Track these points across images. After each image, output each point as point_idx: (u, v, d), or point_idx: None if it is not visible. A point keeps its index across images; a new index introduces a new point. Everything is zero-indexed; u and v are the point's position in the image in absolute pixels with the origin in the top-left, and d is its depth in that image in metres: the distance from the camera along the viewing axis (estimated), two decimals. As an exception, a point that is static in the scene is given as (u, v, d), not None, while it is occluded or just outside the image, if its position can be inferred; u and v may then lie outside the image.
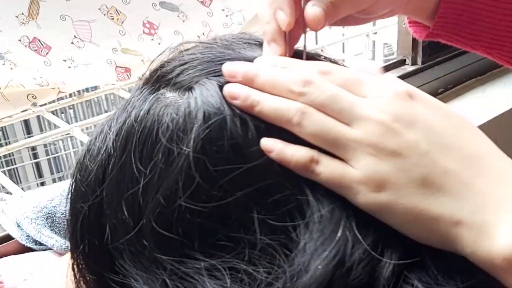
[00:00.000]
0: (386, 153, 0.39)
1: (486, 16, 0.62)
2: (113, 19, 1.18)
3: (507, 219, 0.37)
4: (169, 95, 0.44)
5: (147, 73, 0.49)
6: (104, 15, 1.17)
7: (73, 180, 0.47)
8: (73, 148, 1.91)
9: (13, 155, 2.11)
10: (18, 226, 0.83)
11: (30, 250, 0.82)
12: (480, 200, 0.38)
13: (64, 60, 1.14)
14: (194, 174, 0.41)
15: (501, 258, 0.36)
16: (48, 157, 2.16)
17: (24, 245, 0.82)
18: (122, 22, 1.19)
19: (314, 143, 0.41)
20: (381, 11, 0.56)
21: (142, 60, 1.21)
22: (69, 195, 0.48)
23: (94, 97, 1.31)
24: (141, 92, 0.46)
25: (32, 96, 1.13)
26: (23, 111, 1.16)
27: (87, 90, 1.28)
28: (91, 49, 1.16)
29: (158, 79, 0.46)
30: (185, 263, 0.41)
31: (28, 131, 2.08)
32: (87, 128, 1.19)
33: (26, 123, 2.07)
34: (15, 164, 2.13)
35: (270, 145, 0.41)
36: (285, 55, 0.47)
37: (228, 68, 0.44)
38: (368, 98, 0.41)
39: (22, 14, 1.10)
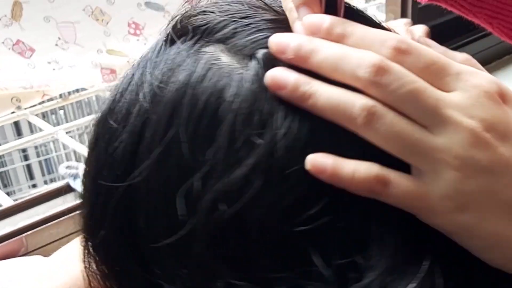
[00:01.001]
0: (476, 169, 0.33)
1: None
2: (97, 20, 1.17)
3: None
4: (227, 61, 0.36)
5: (178, 21, 0.39)
6: (89, 16, 1.16)
7: (94, 144, 0.38)
8: (64, 149, 1.90)
9: (4, 158, 2.10)
10: None
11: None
12: None
13: (49, 62, 1.13)
14: (271, 174, 0.33)
15: None
16: (39, 159, 2.15)
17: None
18: (107, 23, 1.18)
19: (385, 149, 0.33)
20: None
21: (128, 61, 1.20)
22: (89, 162, 0.38)
23: (82, 99, 1.30)
24: (188, 47, 0.37)
25: (16, 99, 1.12)
26: (12, 112, 1.15)
27: (77, 91, 1.27)
28: (76, 50, 1.15)
29: (205, 33, 0.37)
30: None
31: (19, 133, 2.07)
32: (78, 129, 1.18)
33: (17, 125, 2.06)
34: (6, 166, 2.12)
35: (320, 162, 0.33)
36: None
37: (277, 40, 0.35)
38: (454, 95, 0.34)
39: (5, 16, 1.08)
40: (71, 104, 2.08)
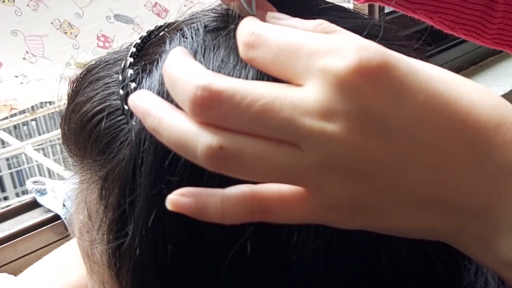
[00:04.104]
0: (359, 174, 0.29)
1: None
2: (66, 33, 1.16)
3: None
4: None
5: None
6: (57, 29, 1.15)
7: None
8: (36, 162, 1.89)
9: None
10: (64, 205, 0.85)
11: None
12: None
13: (16, 76, 1.12)
14: None
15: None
16: (10, 171, 2.13)
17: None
18: (76, 36, 1.17)
19: (261, 181, 0.30)
20: None
21: (97, 74, 1.19)
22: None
23: (50, 112, 1.29)
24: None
25: (-17, 114, 1.11)
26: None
27: (49, 103, 1.26)
28: (44, 64, 1.14)
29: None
30: None
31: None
32: (50, 141, 1.16)
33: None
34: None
35: (181, 202, 0.29)
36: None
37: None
38: (307, 92, 0.28)
39: (-28, 30, 1.08)
40: (43, 116, 2.06)
